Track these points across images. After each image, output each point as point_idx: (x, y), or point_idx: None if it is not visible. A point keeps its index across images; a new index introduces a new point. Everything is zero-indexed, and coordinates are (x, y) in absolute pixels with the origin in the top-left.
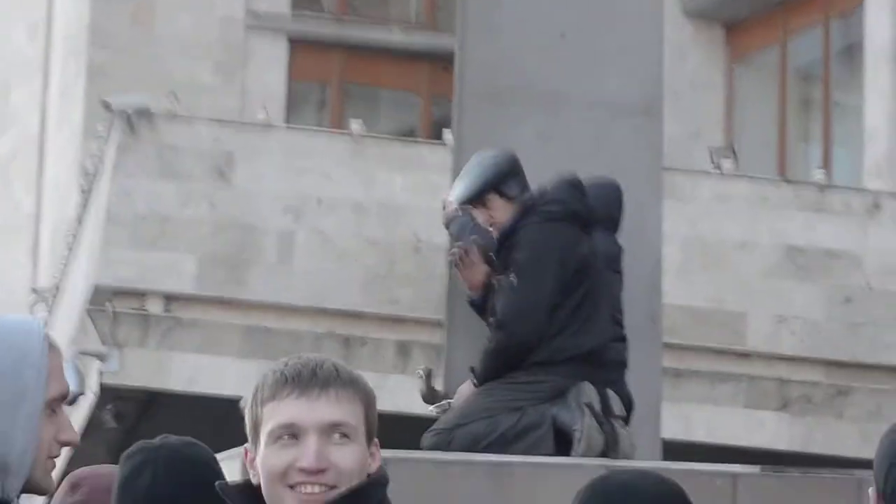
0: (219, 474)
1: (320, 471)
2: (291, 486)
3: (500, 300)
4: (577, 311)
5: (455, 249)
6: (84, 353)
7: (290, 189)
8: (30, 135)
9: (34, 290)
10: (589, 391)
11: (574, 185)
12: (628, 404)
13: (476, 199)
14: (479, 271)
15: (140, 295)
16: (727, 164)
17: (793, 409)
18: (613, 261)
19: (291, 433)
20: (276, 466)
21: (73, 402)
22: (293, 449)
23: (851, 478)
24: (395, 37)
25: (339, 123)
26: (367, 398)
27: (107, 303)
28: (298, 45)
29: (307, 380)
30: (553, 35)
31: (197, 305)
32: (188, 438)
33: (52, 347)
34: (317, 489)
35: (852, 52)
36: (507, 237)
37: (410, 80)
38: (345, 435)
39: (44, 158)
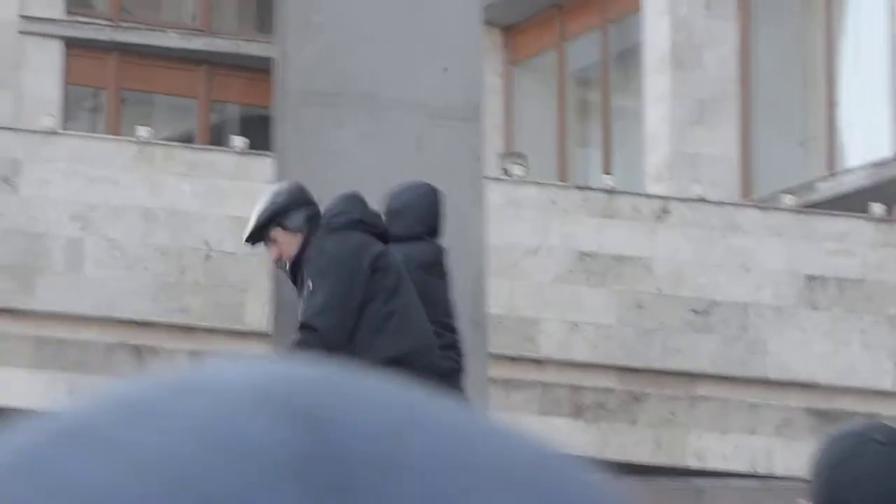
0: None
1: None
2: None
3: (301, 307)
4: (385, 313)
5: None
6: None
7: (77, 196)
8: None
9: None
10: None
11: (352, 197)
12: None
13: (260, 236)
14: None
15: None
16: (517, 170)
17: (586, 415)
18: (433, 265)
19: None
20: None
21: None
22: None
23: (689, 486)
24: (170, 41)
25: (116, 129)
26: None
27: None
28: (73, 50)
29: None
30: (372, 37)
31: None
32: None
33: None
34: None
35: (630, 56)
36: (301, 255)
37: (187, 85)
38: None
39: None
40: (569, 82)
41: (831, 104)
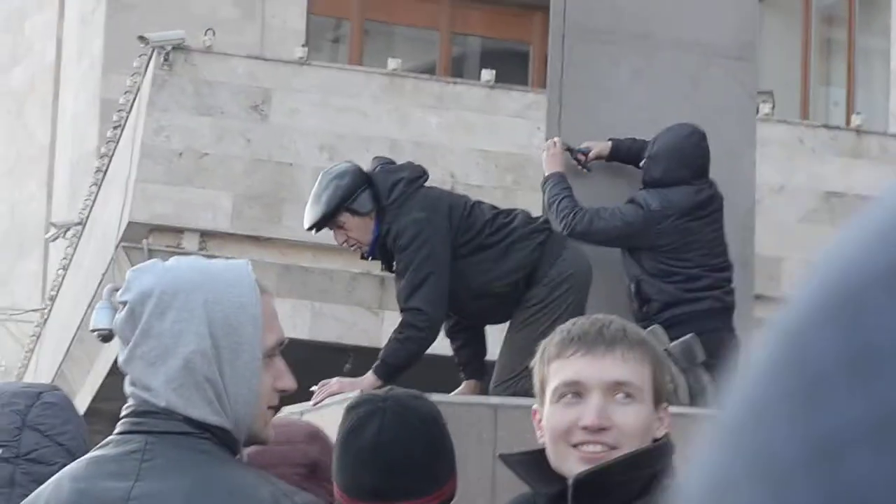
0: (444, 429)
1: (602, 429)
2: (574, 446)
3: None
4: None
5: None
6: (119, 290)
7: (326, 127)
8: (45, 65)
9: (52, 224)
10: (661, 335)
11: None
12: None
13: (329, 222)
14: (362, 227)
15: (176, 232)
16: (765, 108)
17: None
18: (695, 209)
19: (576, 391)
20: (559, 424)
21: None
22: (577, 407)
23: None
24: None
25: (359, 60)
26: (656, 360)
27: (143, 240)
28: None
29: (593, 338)
30: None
31: (232, 243)
32: (414, 391)
33: (263, 293)
34: (598, 448)
35: None
36: (384, 241)
37: (430, 16)
38: (629, 395)
39: (60, 90)
40: (814, 20)
41: None
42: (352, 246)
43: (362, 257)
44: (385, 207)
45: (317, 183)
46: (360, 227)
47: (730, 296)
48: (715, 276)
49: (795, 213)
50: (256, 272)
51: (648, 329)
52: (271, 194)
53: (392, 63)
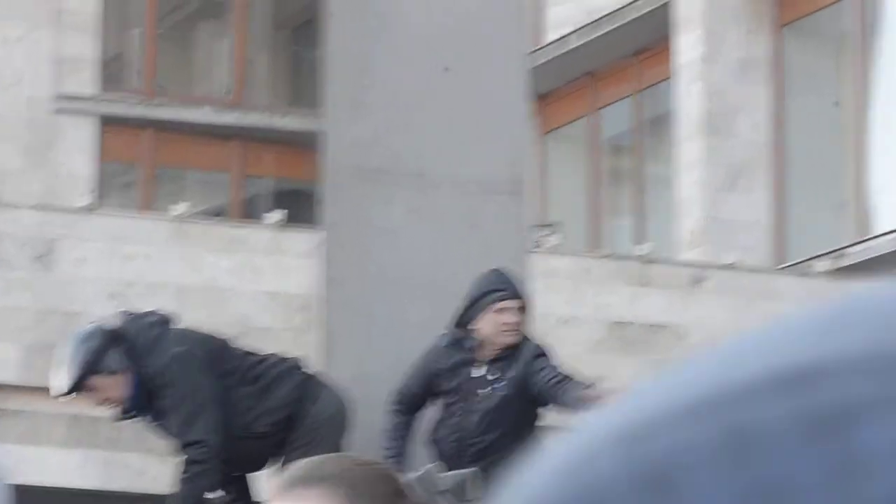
0: None
1: None
2: None
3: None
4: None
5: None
6: None
7: (114, 274)
8: None
9: None
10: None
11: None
12: None
13: (80, 388)
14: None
15: None
16: (551, 240)
17: None
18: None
19: None
20: None
21: None
22: None
23: None
24: (204, 116)
25: (149, 205)
26: (349, 498)
27: None
28: (108, 127)
29: (284, 480)
30: (420, 115)
31: (21, 395)
32: None
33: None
34: None
35: (663, 123)
36: (146, 388)
37: (221, 159)
38: None
39: None
40: (602, 150)
41: (863, 168)
42: (111, 405)
43: (123, 415)
44: (140, 355)
45: (64, 346)
46: (115, 386)
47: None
48: None
49: (584, 344)
50: (46, 424)
51: (426, 469)
52: (59, 344)
53: (179, 208)
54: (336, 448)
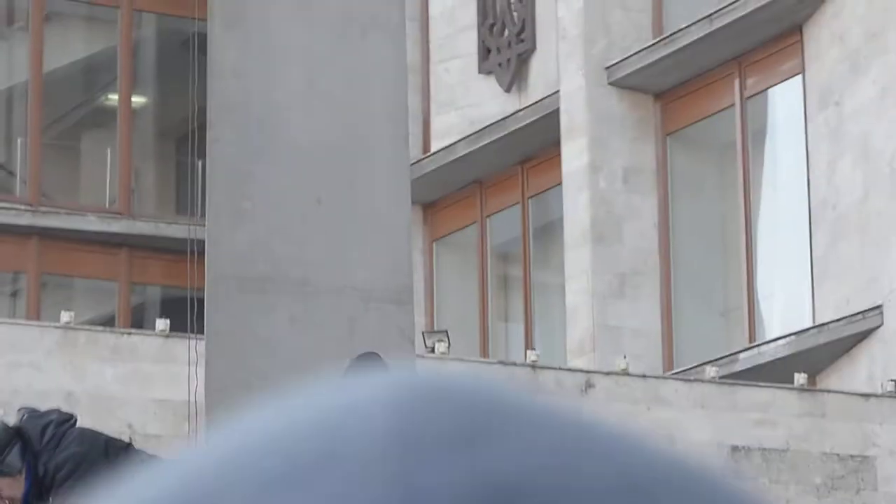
0: None
1: None
2: None
3: None
4: None
5: None
6: None
7: (1, 382)
8: None
9: None
10: None
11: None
12: None
13: None
14: (14, 486)
15: None
16: (440, 347)
17: None
18: None
19: None
20: None
21: None
22: None
23: None
24: (90, 224)
25: (37, 313)
26: None
27: None
28: None
29: None
30: (302, 223)
31: None
32: None
33: None
34: None
35: (550, 230)
36: (40, 485)
37: (108, 268)
38: None
39: None
40: (490, 257)
41: (750, 275)
42: None
43: None
44: (38, 452)
45: None
46: (13, 485)
47: None
48: None
49: None
50: None
51: None
52: None
53: (65, 316)
54: None
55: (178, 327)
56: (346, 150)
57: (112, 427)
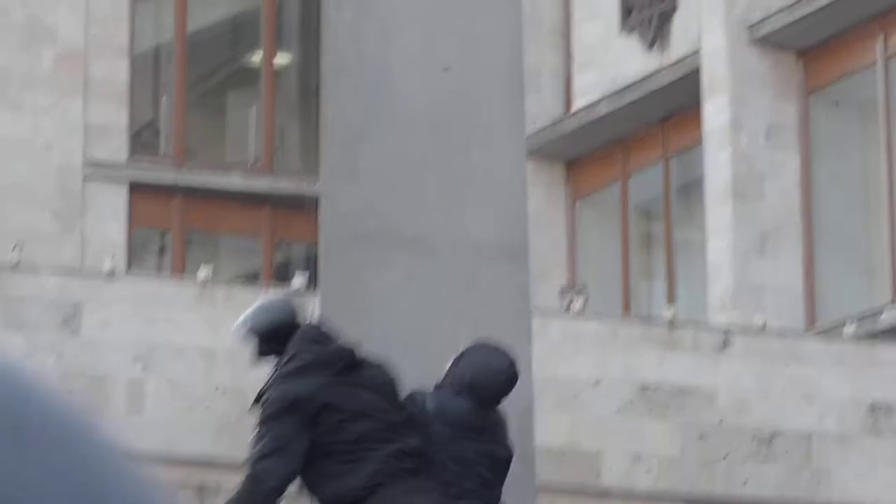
0: None
1: None
2: None
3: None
4: (347, 454)
5: None
6: None
7: (138, 338)
8: None
9: None
10: None
11: (306, 334)
12: None
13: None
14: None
15: None
16: (578, 303)
17: None
18: (469, 427)
19: None
20: None
21: None
22: None
23: None
24: (234, 181)
25: (181, 269)
26: None
27: None
28: (138, 193)
29: None
30: (417, 179)
31: None
32: None
33: None
34: None
35: (692, 188)
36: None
37: (252, 224)
38: None
39: None
40: (632, 215)
41: (893, 233)
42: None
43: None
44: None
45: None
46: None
47: None
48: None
49: (612, 406)
50: None
51: None
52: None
53: (204, 271)
54: None
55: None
56: (461, 107)
57: (250, 382)
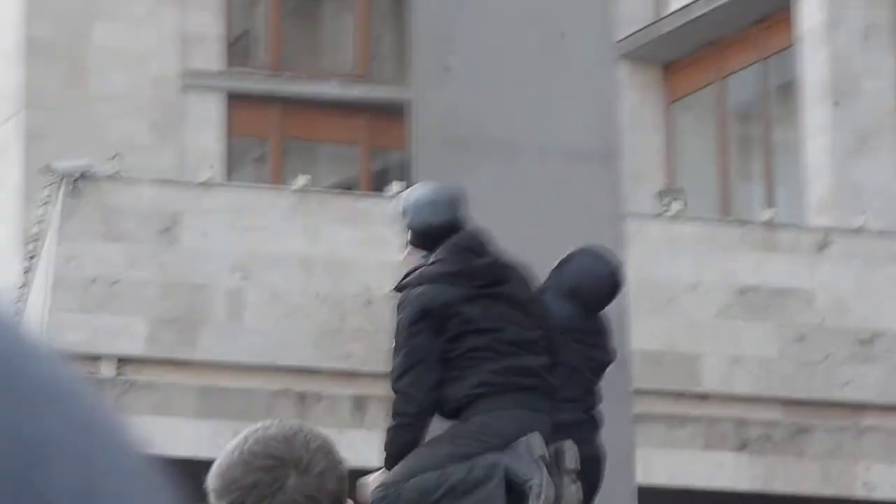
0: None
1: None
2: None
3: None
4: (458, 363)
5: None
6: None
7: (236, 247)
8: None
9: None
10: (539, 443)
11: (458, 245)
12: (594, 459)
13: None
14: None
15: (92, 359)
16: (676, 206)
17: (752, 449)
18: (575, 331)
19: None
20: None
21: None
22: None
23: None
24: (331, 89)
25: (280, 178)
26: None
27: None
28: (235, 102)
29: None
30: (506, 81)
31: (149, 367)
32: None
33: None
34: None
35: (788, 90)
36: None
37: (349, 132)
38: None
39: None
40: (729, 118)
41: None
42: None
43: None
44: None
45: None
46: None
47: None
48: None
49: (710, 310)
50: (175, 395)
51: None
52: (185, 317)
53: (301, 180)
54: None
55: None
56: (550, 10)
57: (349, 290)
